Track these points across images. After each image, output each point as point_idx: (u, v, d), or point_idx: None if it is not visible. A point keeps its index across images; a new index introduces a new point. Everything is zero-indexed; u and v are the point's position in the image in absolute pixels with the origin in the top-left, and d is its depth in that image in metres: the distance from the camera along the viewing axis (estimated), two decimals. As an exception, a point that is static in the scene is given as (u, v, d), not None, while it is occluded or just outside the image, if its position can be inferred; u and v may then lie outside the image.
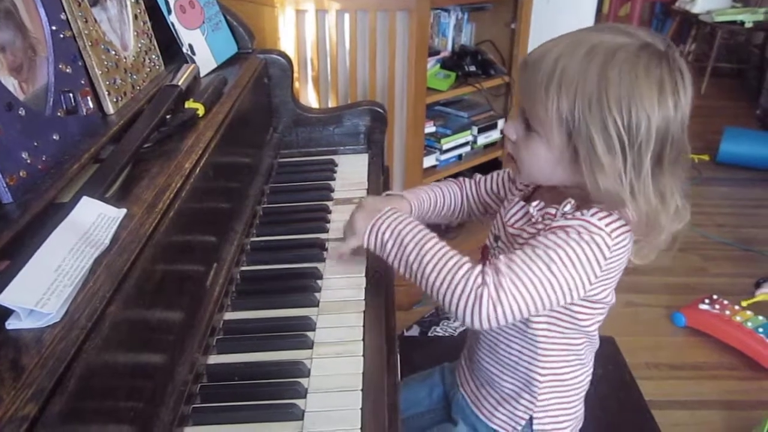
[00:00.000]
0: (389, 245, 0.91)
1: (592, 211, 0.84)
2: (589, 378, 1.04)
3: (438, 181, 1.21)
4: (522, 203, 0.97)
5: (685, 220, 0.88)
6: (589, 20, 2.81)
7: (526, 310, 0.83)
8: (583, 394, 1.05)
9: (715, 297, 2.25)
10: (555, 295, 0.83)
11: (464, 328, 2.19)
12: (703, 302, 2.24)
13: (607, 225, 0.84)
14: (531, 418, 1.00)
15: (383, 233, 0.92)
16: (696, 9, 4.89)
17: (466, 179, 1.17)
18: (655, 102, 0.79)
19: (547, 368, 0.97)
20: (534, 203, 0.92)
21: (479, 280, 0.82)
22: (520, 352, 0.97)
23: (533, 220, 0.92)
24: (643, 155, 0.80)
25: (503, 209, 1.02)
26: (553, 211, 0.89)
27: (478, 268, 0.83)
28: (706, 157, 3.56)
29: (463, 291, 0.82)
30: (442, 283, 0.84)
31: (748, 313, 2.16)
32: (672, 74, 0.81)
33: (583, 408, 1.06)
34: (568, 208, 0.87)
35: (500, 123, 2.47)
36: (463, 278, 0.83)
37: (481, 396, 1.06)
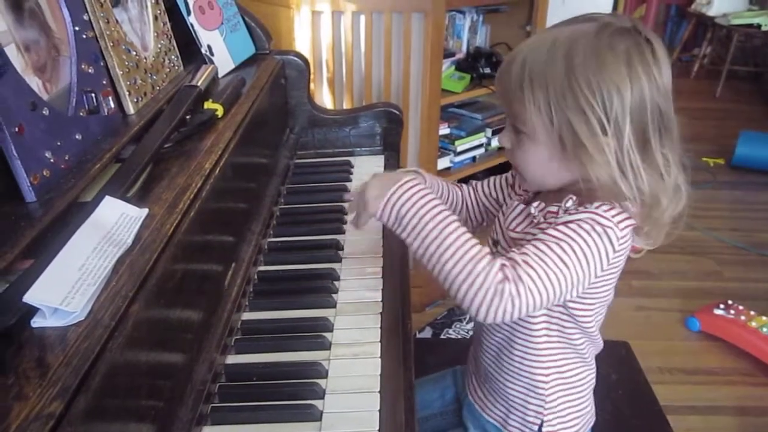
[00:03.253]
0: (406, 221, 0.84)
1: (596, 204, 0.84)
2: (594, 377, 1.04)
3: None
4: (522, 206, 0.96)
5: (683, 202, 0.87)
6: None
7: (540, 304, 0.82)
8: (590, 392, 1.04)
9: (730, 302, 2.23)
10: (567, 288, 0.82)
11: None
12: (718, 307, 2.22)
13: (614, 217, 0.83)
14: (542, 423, 1.00)
15: (400, 207, 0.85)
16: (712, 11, 4.86)
17: (464, 185, 1.14)
18: (624, 74, 0.79)
19: (551, 368, 0.96)
20: (535, 204, 0.92)
21: (500, 275, 0.79)
22: (522, 356, 0.96)
23: (536, 221, 0.92)
24: (622, 129, 0.80)
25: (502, 214, 1.01)
26: (554, 209, 0.88)
27: (498, 262, 0.80)
28: (721, 161, 3.54)
29: (483, 284, 0.79)
30: (460, 274, 0.80)
31: (764, 318, 2.14)
32: (638, 45, 0.81)
33: (592, 406, 1.05)
34: (570, 204, 0.87)
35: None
36: (483, 271, 0.79)
37: (491, 404, 1.05)
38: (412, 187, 0.86)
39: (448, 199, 1.11)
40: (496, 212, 1.10)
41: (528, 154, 0.88)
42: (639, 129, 0.81)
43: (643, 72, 0.80)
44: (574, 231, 0.82)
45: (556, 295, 0.82)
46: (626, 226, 0.84)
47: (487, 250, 0.82)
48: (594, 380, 1.04)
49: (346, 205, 1.21)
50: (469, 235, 0.83)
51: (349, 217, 1.02)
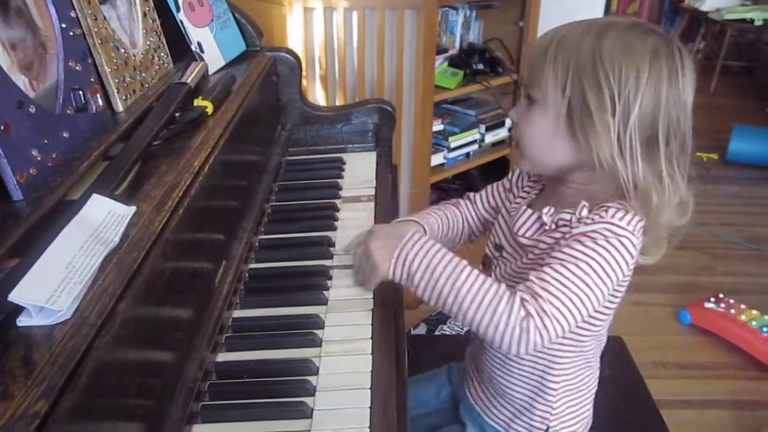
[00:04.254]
0: (418, 276, 0.86)
1: (611, 212, 0.83)
2: (597, 379, 1.04)
3: (443, 195, 1.19)
4: (531, 211, 0.94)
5: (687, 215, 0.88)
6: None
7: (569, 328, 0.81)
8: (592, 396, 1.04)
9: (721, 296, 2.24)
10: (591, 306, 0.82)
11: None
12: (709, 300, 2.23)
13: (629, 224, 0.82)
14: (548, 428, 0.99)
15: (410, 263, 0.87)
16: (705, 7, 4.87)
17: (460, 200, 1.14)
18: (647, 61, 0.81)
19: (561, 375, 0.96)
20: (545, 210, 0.90)
21: (522, 312, 0.79)
22: (533, 363, 0.96)
23: (548, 228, 0.90)
24: (631, 109, 0.81)
25: (508, 217, 1.00)
26: (567, 216, 0.87)
27: (518, 297, 0.80)
28: (715, 156, 3.54)
29: (507, 325, 0.79)
30: (483, 318, 0.81)
31: (754, 312, 2.15)
32: (668, 46, 0.83)
33: (591, 410, 1.05)
34: (584, 212, 0.85)
35: (508, 121, 2.46)
36: (505, 312, 0.79)
37: (495, 408, 1.04)
38: (417, 242, 0.88)
39: (449, 224, 1.11)
40: (495, 220, 1.09)
41: (533, 125, 0.88)
42: (647, 120, 0.82)
43: (666, 69, 0.82)
44: (591, 248, 0.81)
45: (582, 315, 0.82)
46: (640, 229, 0.84)
47: (503, 288, 0.82)
48: (596, 384, 1.04)
49: (334, 260, 1.09)
50: (483, 277, 0.83)
51: (355, 278, 1.01)
